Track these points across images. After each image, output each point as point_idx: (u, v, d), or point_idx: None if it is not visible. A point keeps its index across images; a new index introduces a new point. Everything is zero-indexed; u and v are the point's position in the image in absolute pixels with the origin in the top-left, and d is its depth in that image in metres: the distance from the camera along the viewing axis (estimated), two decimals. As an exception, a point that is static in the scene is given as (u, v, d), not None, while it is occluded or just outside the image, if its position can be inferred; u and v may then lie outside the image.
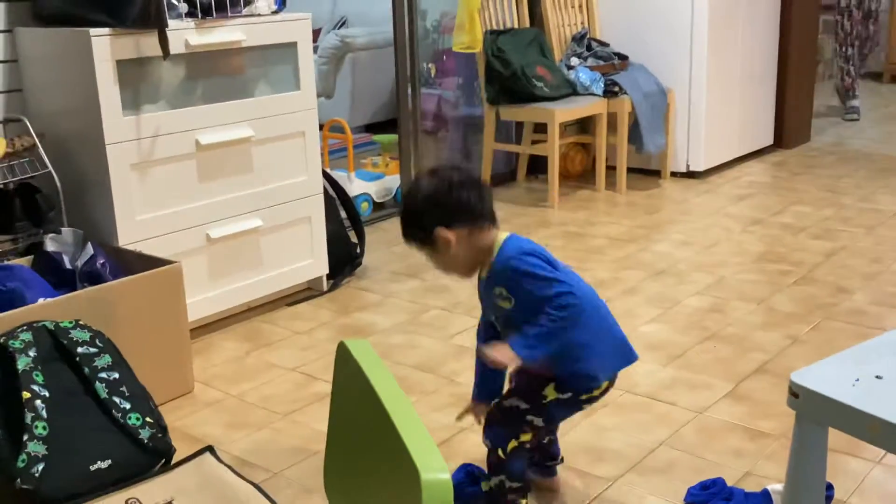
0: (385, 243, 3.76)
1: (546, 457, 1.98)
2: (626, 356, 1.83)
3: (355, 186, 4.04)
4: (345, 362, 1.11)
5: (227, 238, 2.83)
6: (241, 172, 2.85)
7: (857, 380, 1.37)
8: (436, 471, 0.84)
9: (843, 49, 5.93)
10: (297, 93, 2.97)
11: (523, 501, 1.83)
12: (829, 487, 1.93)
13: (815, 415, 1.37)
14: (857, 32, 5.86)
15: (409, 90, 4.12)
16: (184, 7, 2.66)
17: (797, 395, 1.38)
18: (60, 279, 2.41)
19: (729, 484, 1.96)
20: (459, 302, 3.08)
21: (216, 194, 2.79)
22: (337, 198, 3.44)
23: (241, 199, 2.86)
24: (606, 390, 1.81)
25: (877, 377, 1.38)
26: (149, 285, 2.36)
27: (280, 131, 2.93)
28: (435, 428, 2.27)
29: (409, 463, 0.86)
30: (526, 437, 1.76)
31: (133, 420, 2.03)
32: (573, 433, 2.22)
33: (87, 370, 2.05)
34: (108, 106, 2.50)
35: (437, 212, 1.70)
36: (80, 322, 2.13)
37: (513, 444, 1.75)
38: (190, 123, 2.69)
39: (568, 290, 1.68)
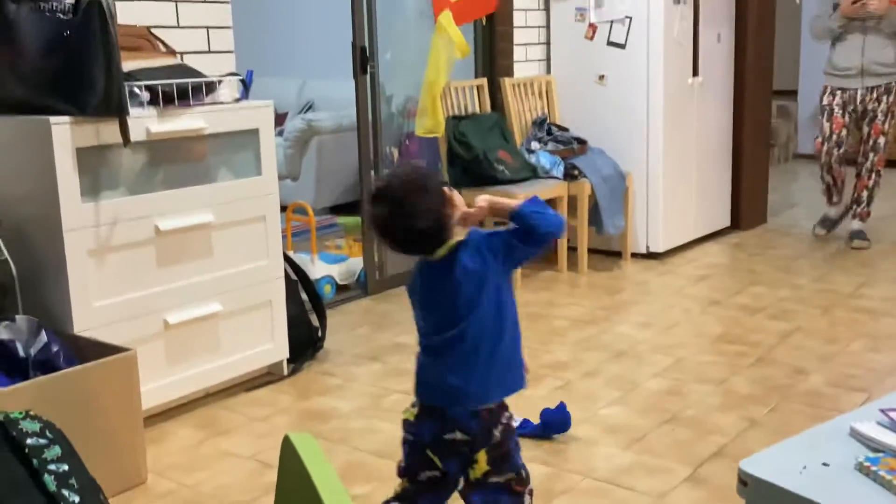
0: (348, 326, 3.75)
1: None
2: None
3: (318, 269, 4.04)
4: (288, 456, 1.10)
5: (185, 323, 2.82)
6: (201, 257, 2.85)
7: (805, 467, 1.39)
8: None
9: (819, 154, 4.87)
10: (259, 178, 2.99)
11: None
12: (787, 574, 1.92)
13: (764, 503, 1.38)
14: (839, 138, 4.76)
15: (372, 173, 4.17)
16: (146, 95, 2.69)
17: (746, 483, 1.38)
18: (13, 367, 2.37)
19: (688, 572, 1.95)
20: (420, 386, 3.07)
21: (175, 279, 2.78)
22: (299, 281, 3.44)
23: (201, 284, 2.86)
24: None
25: (823, 464, 1.40)
26: (102, 373, 2.34)
27: (241, 216, 2.95)
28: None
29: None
30: None
31: (81, 513, 1.98)
32: (532, 521, 2.19)
33: (35, 462, 2.00)
34: (67, 193, 2.51)
35: (436, 179, 1.77)
36: (31, 412, 2.09)
37: None
38: (149, 209, 2.69)
39: None
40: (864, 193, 4.87)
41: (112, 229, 2.61)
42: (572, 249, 4.52)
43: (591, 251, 4.57)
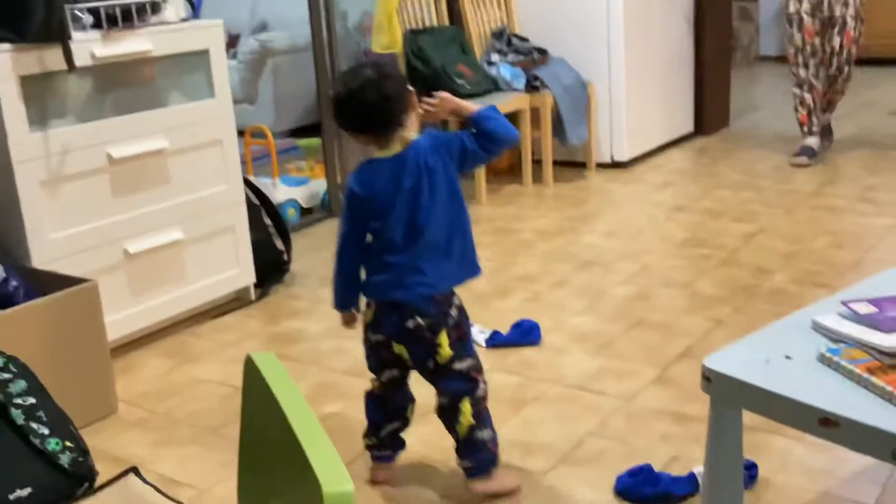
0: (313, 249, 3.72)
1: None
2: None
3: (281, 193, 3.99)
4: (252, 377, 1.09)
5: (146, 252, 2.78)
6: (158, 185, 2.79)
7: (767, 361, 1.40)
8: (338, 483, 0.83)
9: (795, 69, 4.49)
10: (212, 101, 2.92)
11: None
12: (754, 466, 1.97)
13: (728, 398, 1.39)
14: (814, 48, 4.40)
15: (330, 93, 4.08)
16: (89, 18, 2.59)
17: (710, 379, 1.40)
18: (-29, 304, 2.33)
19: (657, 469, 1.99)
20: (389, 304, 3.07)
21: (133, 208, 2.73)
22: (261, 205, 3.39)
23: (159, 211, 2.81)
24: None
25: (786, 357, 1.41)
26: (64, 306, 2.30)
27: (196, 141, 2.88)
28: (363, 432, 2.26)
29: (312, 477, 0.85)
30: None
31: (52, 445, 1.97)
32: (503, 429, 2.22)
33: (1, 397, 1.99)
34: (14, 123, 2.43)
35: (400, 78, 1.88)
36: (-8, 348, 2.06)
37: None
38: (101, 137, 2.62)
39: None
40: (838, 98, 4.61)
41: (63, 159, 2.54)
42: (536, 162, 4.50)
43: (555, 163, 4.55)
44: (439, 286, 1.88)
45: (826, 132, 4.67)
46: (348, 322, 2.05)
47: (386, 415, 2.03)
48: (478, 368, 1.95)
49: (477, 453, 1.93)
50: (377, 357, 1.98)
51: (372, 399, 2.05)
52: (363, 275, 1.95)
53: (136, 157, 2.71)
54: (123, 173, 2.69)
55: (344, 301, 2.00)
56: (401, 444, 2.08)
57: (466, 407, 1.91)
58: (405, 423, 2.05)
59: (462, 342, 1.92)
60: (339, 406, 2.40)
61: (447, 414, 1.94)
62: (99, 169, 2.63)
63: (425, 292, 1.87)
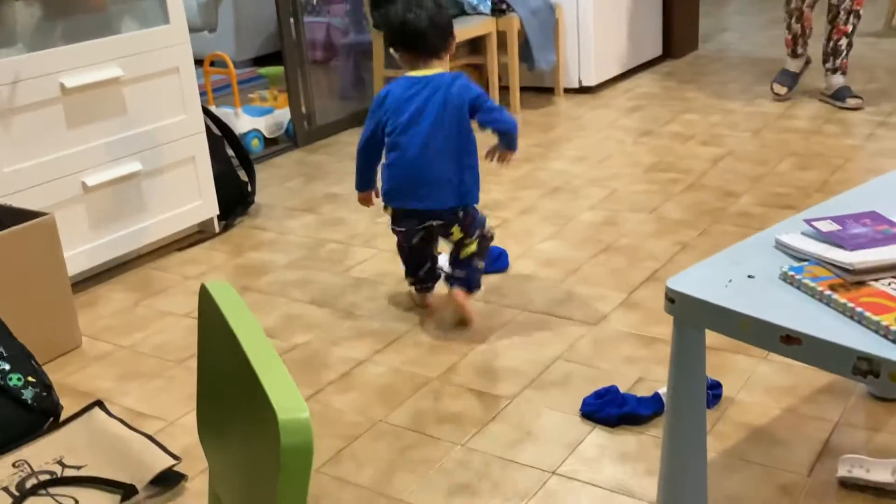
0: (279, 179, 3.67)
1: None
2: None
3: (243, 123, 3.91)
4: (207, 306, 1.06)
5: (104, 185, 2.71)
6: (114, 115, 2.72)
7: (730, 281, 1.40)
8: (294, 411, 0.81)
9: (796, 3, 4.07)
10: (167, 27, 2.82)
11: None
12: (718, 386, 2.00)
13: (691, 318, 1.39)
14: None
15: (292, 19, 3.98)
16: (32, -59, 2.48)
17: (673, 300, 1.39)
18: (-76, 241, 2.27)
19: (622, 391, 2.01)
20: (356, 234, 3.04)
21: (89, 140, 2.66)
22: (224, 136, 3.33)
23: (117, 142, 2.74)
24: None
25: (749, 277, 1.41)
26: (21, 240, 2.25)
27: (152, 69, 2.79)
28: (334, 362, 2.25)
29: (268, 405, 0.83)
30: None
31: (14, 381, 1.95)
32: (471, 356, 2.23)
33: (-42, 334, 1.95)
34: (-42, 52, 2.34)
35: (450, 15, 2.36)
36: (-53, 284, 2.02)
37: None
38: (52, 66, 2.53)
39: None
40: (843, 41, 3.99)
41: (14, 89, 2.46)
42: (504, 88, 4.43)
43: (523, 89, 4.49)
44: (445, 203, 2.27)
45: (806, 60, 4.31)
46: (364, 201, 2.45)
47: (418, 261, 2.43)
48: (484, 227, 2.39)
49: (469, 269, 2.38)
50: (403, 237, 2.38)
51: (404, 252, 2.43)
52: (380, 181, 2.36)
53: (90, 87, 2.63)
54: (78, 103, 2.61)
55: (361, 184, 2.41)
56: (438, 276, 2.48)
57: (474, 242, 2.36)
58: (435, 260, 2.46)
59: (472, 225, 2.33)
60: (308, 336, 2.39)
61: (458, 244, 2.35)
62: (52, 99, 2.55)
63: (433, 206, 2.26)
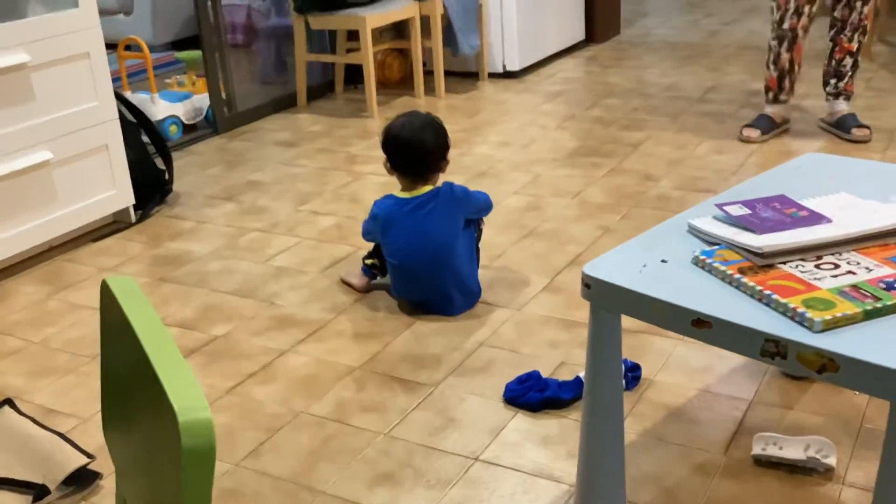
0: (198, 166, 3.59)
1: None
2: None
3: (160, 109, 3.81)
4: (108, 303, 1.03)
5: (13, 175, 2.61)
6: (22, 102, 2.62)
7: (644, 266, 1.41)
8: (195, 411, 0.79)
9: (789, 24, 3.33)
10: (76, 10, 2.73)
11: None
12: (637, 368, 2.03)
13: (607, 303, 1.40)
14: (812, 11, 3.31)
15: (210, 1, 3.89)
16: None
17: (589, 286, 1.40)
18: None
19: (545, 375, 2.03)
20: (278, 222, 3.00)
21: (-6, 128, 2.56)
22: (139, 123, 3.23)
23: (25, 130, 2.64)
24: None
25: (662, 261, 1.42)
26: (-79, 234, 2.15)
27: (60, 54, 2.70)
28: (255, 353, 2.22)
29: (169, 406, 0.81)
30: None
31: (-85, 382, 1.87)
32: (394, 344, 2.22)
33: None
34: None
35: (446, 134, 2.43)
36: None
37: None
38: (-48, 51, 2.43)
39: None
40: (848, 61, 3.42)
41: (-90, 76, 2.35)
42: (429, 73, 4.42)
43: (447, 73, 4.48)
44: (458, 311, 2.37)
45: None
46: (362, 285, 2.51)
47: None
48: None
49: None
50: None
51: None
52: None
53: (-6, 73, 2.52)
54: (-19, 90, 2.50)
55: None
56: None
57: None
58: None
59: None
60: (228, 327, 2.34)
61: None
62: (-48, 86, 2.44)
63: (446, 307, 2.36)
